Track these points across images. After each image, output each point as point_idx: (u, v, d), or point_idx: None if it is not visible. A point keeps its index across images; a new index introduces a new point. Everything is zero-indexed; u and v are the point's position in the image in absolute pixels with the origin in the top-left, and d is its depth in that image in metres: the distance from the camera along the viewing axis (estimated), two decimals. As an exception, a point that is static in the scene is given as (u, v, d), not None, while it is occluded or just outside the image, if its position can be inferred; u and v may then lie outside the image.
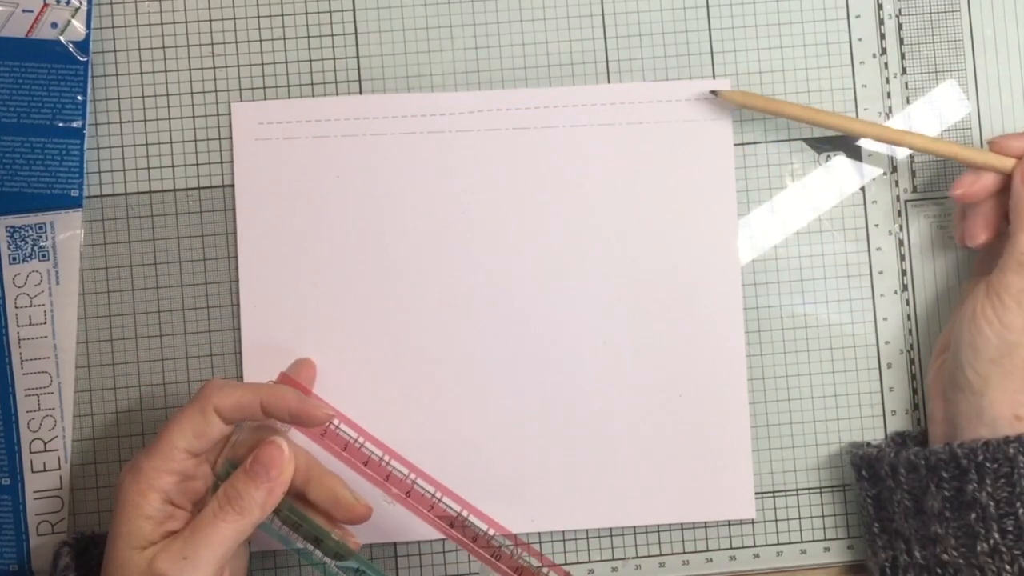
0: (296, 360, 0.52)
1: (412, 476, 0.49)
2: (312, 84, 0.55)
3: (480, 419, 0.53)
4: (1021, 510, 0.46)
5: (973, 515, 0.47)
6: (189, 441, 0.46)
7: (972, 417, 0.48)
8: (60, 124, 0.53)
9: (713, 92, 0.53)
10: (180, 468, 0.46)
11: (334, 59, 0.55)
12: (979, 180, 0.50)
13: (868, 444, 0.53)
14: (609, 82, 0.55)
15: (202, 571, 0.44)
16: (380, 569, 0.50)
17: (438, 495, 0.49)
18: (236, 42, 0.55)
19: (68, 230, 0.54)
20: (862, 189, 0.55)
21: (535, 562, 0.49)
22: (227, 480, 0.47)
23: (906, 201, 0.55)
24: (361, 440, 0.49)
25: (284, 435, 0.48)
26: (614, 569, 0.54)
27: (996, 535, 0.46)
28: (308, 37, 0.55)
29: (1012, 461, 0.46)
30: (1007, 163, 0.50)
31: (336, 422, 0.49)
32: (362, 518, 0.49)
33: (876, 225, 0.55)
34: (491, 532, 0.49)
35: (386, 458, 0.49)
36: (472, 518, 0.49)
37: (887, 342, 0.55)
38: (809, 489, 0.55)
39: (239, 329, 0.54)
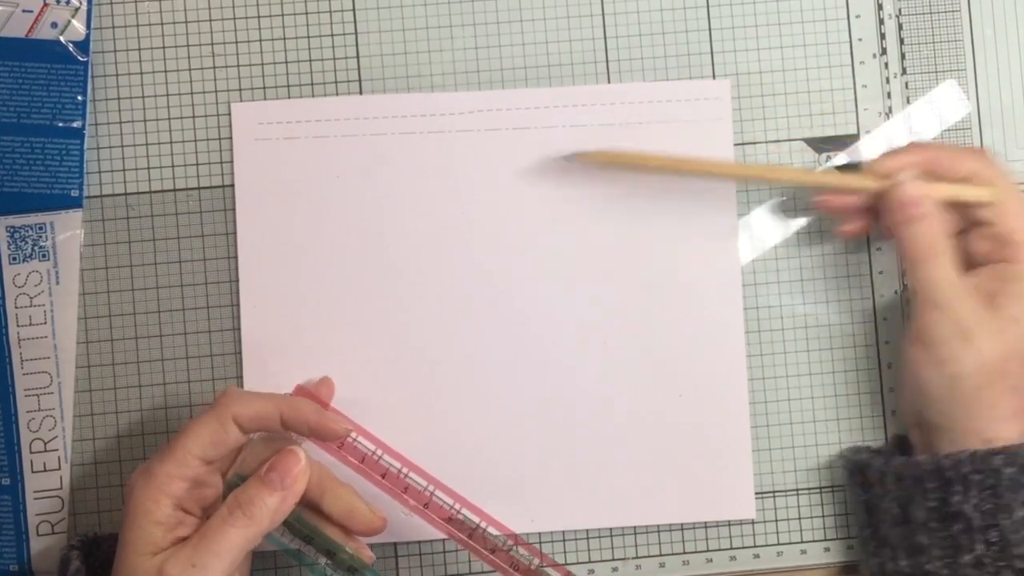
0: (318, 380, 0.52)
1: (431, 488, 0.49)
2: (312, 84, 0.55)
3: (480, 419, 0.53)
4: (1005, 522, 0.46)
5: (957, 526, 0.47)
6: (205, 448, 0.46)
7: (950, 449, 0.48)
8: (60, 124, 0.53)
9: (568, 157, 0.53)
10: (193, 475, 0.46)
11: (334, 59, 0.55)
12: (841, 197, 0.51)
13: (868, 448, 0.53)
14: (609, 82, 0.55)
15: None
16: None
17: (457, 507, 0.49)
18: (236, 42, 0.55)
19: (68, 230, 0.54)
20: (862, 189, 0.55)
21: (555, 574, 0.49)
22: (240, 486, 0.46)
23: (906, 201, 0.55)
24: (379, 452, 0.49)
25: (301, 446, 0.48)
26: (614, 569, 0.54)
27: (980, 547, 0.46)
28: (308, 37, 0.55)
29: (997, 473, 0.46)
30: (876, 185, 0.50)
31: (353, 435, 0.49)
32: (377, 530, 0.48)
33: (876, 225, 0.55)
34: (510, 543, 0.49)
35: (404, 470, 0.49)
36: (491, 529, 0.49)
37: (887, 342, 0.55)
38: (809, 489, 0.55)
39: (239, 329, 0.54)
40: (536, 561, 0.49)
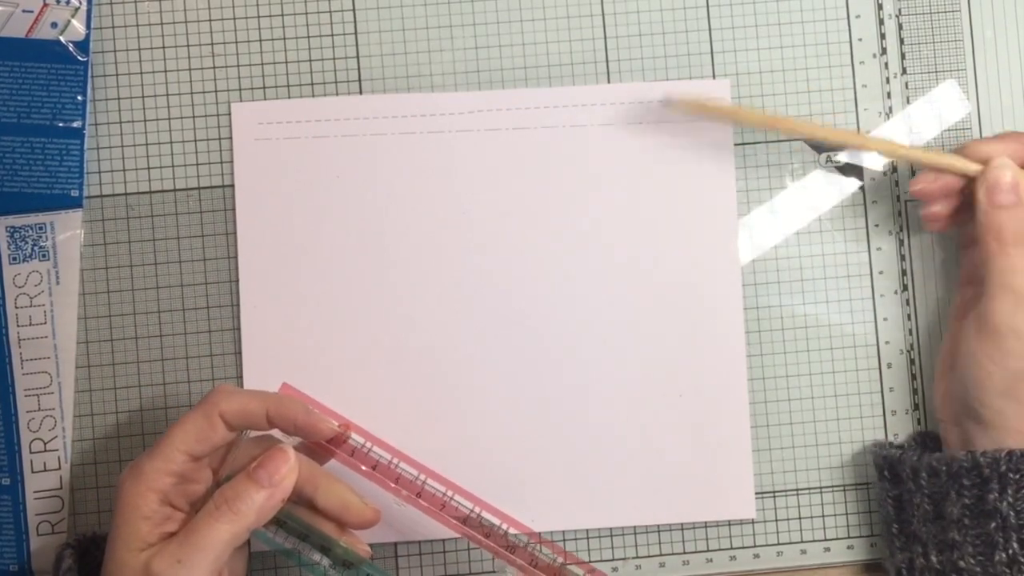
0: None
1: (422, 477, 0.49)
2: (312, 84, 0.55)
3: (480, 419, 0.53)
4: None
5: (992, 524, 0.46)
6: (191, 444, 0.46)
7: (990, 446, 0.48)
8: (60, 124, 0.53)
9: (663, 103, 0.53)
10: (180, 470, 0.46)
11: (334, 59, 0.55)
12: (938, 180, 0.50)
13: (890, 444, 0.53)
14: (609, 82, 0.55)
15: (196, 574, 0.44)
16: (388, 572, 0.50)
17: (449, 494, 0.49)
18: (236, 42, 0.55)
19: (68, 230, 0.54)
20: (862, 189, 0.55)
21: (549, 552, 0.49)
22: (227, 483, 0.46)
23: (906, 201, 0.55)
24: (369, 445, 0.49)
25: (290, 445, 0.48)
26: (614, 569, 0.54)
27: (1015, 545, 0.46)
28: (308, 37, 0.55)
29: None
30: (972, 167, 0.49)
31: (368, 444, 0.49)
32: (371, 522, 0.49)
33: (876, 225, 0.55)
34: (504, 527, 0.49)
35: (395, 461, 0.49)
36: (485, 514, 0.49)
37: (887, 342, 0.55)
38: (809, 489, 0.55)
39: (239, 329, 0.54)
40: (534, 543, 0.49)
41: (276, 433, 0.49)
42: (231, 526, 0.45)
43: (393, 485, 0.49)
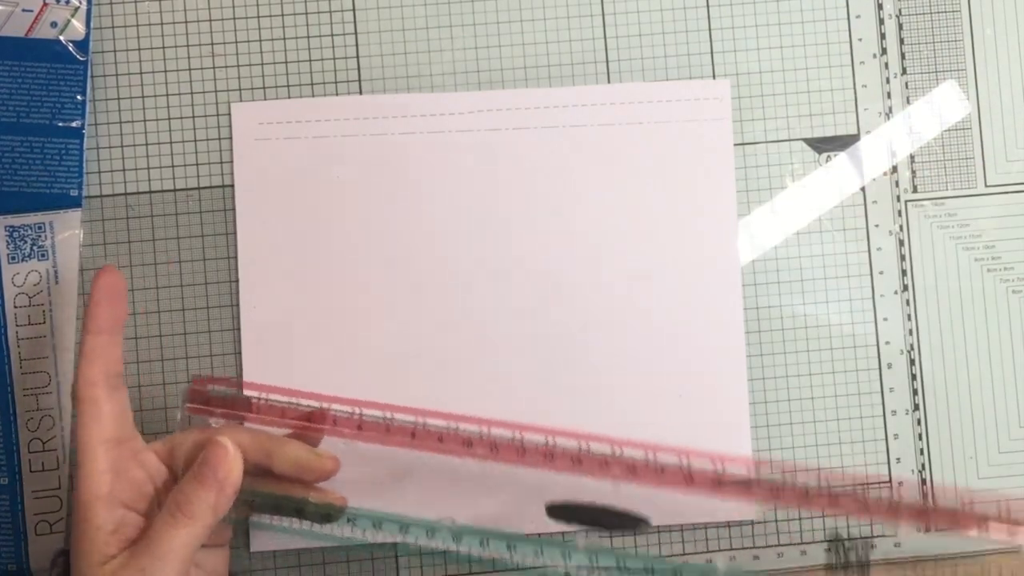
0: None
1: (420, 420, 0.48)
2: (312, 84, 0.55)
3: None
4: None
5: None
6: (105, 431, 0.46)
7: None
8: (60, 124, 0.53)
9: None
10: (111, 466, 0.46)
11: (334, 59, 0.55)
12: None
13: None
14: (609, 82, 0.55)
15: None
16: (374, 511, 0.48)
17: (453, 425, 0.48)
18: (236, 42, 0.55)
19: (67, 230, 0.54)
20: (862, 189, 0.55)
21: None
22: (176, 487, 0.46)
23: (906, 201, 0.55)
24: (357, 411, 0.48)
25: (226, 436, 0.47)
26: (614, 570, 0.54)
27: None
28: (308, 37, 0.55)
29: None
30: None
31: (265, 396, 0.48)
32: (332, 471, 0.48)
33: (876, 225, 0.55)
34: (520, 435, 0.48)
35: (358, 411, 0.49)
36: (495, 430, 0.48)
37: (887, 342, 0.55)
38: (809, 489, 0.55)
39: (239, 330, 0.54)
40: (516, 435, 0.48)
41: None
42: (189, 529, 0.45)
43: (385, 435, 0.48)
